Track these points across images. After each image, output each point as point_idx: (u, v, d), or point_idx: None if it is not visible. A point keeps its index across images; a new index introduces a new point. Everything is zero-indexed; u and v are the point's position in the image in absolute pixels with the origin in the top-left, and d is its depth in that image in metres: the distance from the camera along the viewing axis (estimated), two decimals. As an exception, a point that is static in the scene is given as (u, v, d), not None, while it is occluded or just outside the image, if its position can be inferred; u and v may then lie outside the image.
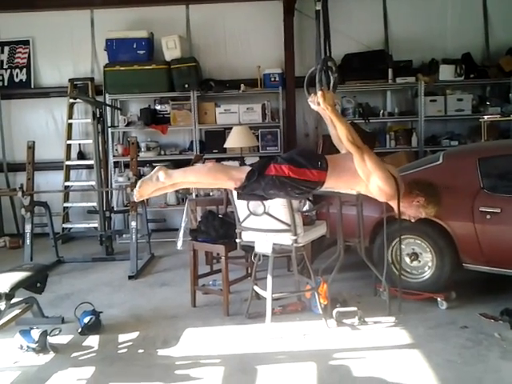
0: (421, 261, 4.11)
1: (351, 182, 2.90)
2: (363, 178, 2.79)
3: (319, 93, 2.76)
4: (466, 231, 3.86)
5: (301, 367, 3.15)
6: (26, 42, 7.20)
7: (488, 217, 3.76)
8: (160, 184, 2.85)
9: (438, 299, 3.94)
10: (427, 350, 3.28)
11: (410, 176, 3.64)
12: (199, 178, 2.97)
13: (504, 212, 3.71)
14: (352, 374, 3.05)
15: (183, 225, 5.25)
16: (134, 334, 3.74)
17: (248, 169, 2.86)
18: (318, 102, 2.81)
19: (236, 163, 6.14)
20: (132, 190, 5.41)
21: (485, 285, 4.29)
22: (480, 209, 3.79)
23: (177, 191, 6.07)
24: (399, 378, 2.96)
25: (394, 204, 2.91)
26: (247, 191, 2.88)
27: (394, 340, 3.47)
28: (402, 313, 3.75)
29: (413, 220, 3.01)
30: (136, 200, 2.94)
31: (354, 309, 3.79)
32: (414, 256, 4.11)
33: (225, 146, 6.24)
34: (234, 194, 3.36)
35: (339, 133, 2.79)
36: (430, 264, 4.06)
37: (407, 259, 4.15)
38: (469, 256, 3.93)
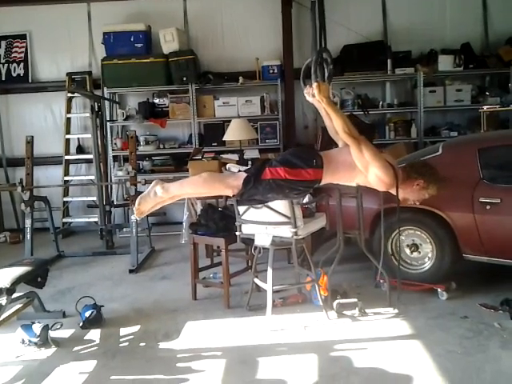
0: (421, 252, 4.11)
1: (349, 175, 2.89)
2: (361, 169, 2.78)
3: (314, 84, 2.76)
4: (466, 222, 3.86)
5: (302, 359, 3.16)
6: (23, 36, 7.17)
7: (488, 207, 3.75)
8: (158, 199, 2.88)
9: (439, 290, 3.96)
10: (428, 340, 3.29)
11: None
12: (196, 189, 3.01)
13: (504, 202, 3.71)
14: (353, 365, 3.06)
15: (185, 218, 5.26)
16: (135, 328, 3.76)
17: (244, 175, 2.86)
18: (313, 94, 2.81)
19: (235, 156, 6.14)
20: (131, 184, 5.43)
21: (485, 275, 4.30)
22: (480, 199, 3.79)
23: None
24: (400, 369, 2.97)
25: (394, 192, 2.90)
26: (246, 197, 2.91)
27: (395, 331, 3.48)
28: (402, 303, 3.76)
29: (418, 203, 3.01)
30: (138, 218, 2.96)
31: (355, 300, 3.80)
32: (414, 247, 4.11)
33: (224, 138, 6.23)
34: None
35: (335, 124, 2.78)
36: (430, 255, 4.07)
37: (407, 250, 4.15)
38: (469, 247, 3.93)
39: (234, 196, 2.91)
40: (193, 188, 3.00)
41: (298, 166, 2.79)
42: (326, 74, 2.94)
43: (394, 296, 3.82)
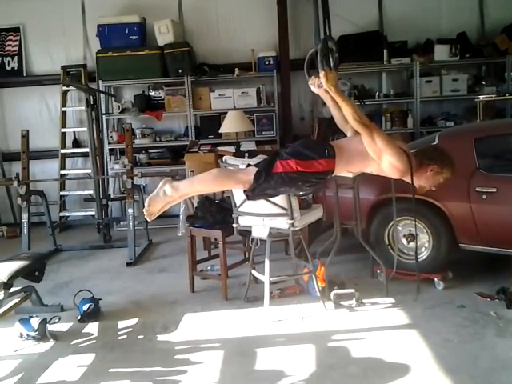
0: (417, 242, 4.12)
1: (362, 164, 2.83)
2: (374, 157, 2.71)
3: (322, 73, 2.67)
4: (462, 211, 3.86)
5: (299, 349, 3.17)
6: (16, 30, 7.09)
7: (484, 197, 3.76)
8: (168, 198, 2.78)
9: (435, 279, 3.97)
10: (425, 329, 3.31)
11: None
12: (206, 186, 2.93)
13: (500, 192, 3.72)
14: (350, 354, 3.08)
15: (181, 210, 5.26)
16: (134, 321, 3.76)
17: (254, 169, 2.78)
18: (318, 85, 2.76)
19: (232, 148, 6.13)
20: (128, 177, 5.41)
21: (481, 264, 4.32)
22: (476, 189, 3.80)
23: (172, 177, 6.06)
24: (397, 358, 2.99)
25: (408, 179, 2.83)
26: (257, 192, 2.83)
27: (392, 321, 3.50)
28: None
29: (434, 189, 2.93)
30: (148, 220, 2.87)
31: (352, 291, 3.81)
32: (411, 237, 4.12)
33: (220, 131, 6.21)
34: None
35: (345, 113, 2.70)
36: (426, 245, 4.07)
37: (404, 240, 4.16)
38: (465, 236, 3.94)
39: (245, 191, 2.84)
40: (203, 185, 2.91)
41: (310, 158, 2.71)
42: (332, 63, 2.89)
43: (391, 286, 3.84)
